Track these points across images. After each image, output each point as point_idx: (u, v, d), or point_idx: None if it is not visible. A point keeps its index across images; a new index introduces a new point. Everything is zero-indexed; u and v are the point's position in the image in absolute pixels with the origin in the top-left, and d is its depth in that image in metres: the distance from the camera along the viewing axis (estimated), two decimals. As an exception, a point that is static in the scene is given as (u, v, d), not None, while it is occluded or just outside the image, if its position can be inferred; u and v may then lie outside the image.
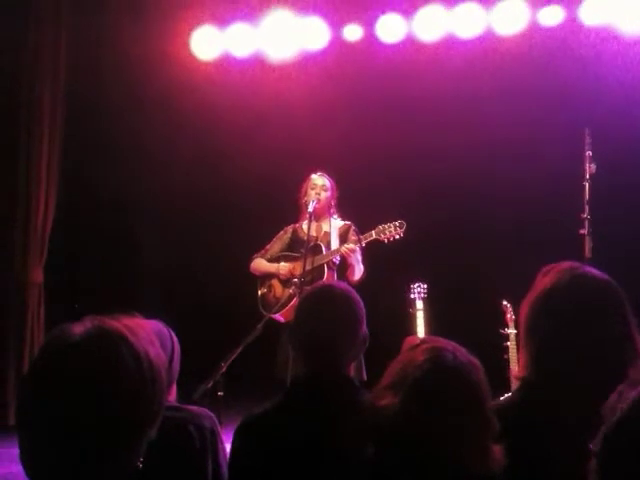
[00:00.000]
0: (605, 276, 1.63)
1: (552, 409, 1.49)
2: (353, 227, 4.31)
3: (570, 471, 1.34)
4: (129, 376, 1.12)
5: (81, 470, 1.10)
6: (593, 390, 1.40)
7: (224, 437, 1.96)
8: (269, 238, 4.46)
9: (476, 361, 1.40)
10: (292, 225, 4.42)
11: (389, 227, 4.08)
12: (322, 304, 1.90)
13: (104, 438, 1.10)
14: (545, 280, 1.63)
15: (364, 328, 1.93)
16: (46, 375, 1.12)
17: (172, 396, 1.86)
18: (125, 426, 1.12)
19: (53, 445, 1.09)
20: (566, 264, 1.66)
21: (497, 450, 1.32)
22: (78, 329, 1.14)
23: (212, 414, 1.87)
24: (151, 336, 1.21)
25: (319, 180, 4.29)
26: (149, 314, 1.96)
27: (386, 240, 4.08)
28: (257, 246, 4.45)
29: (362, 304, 1.95)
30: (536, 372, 1.56)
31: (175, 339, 1.85)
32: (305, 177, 4.35)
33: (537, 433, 1.42)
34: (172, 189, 5.85)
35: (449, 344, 1.41)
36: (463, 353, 1.39)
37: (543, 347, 1.56)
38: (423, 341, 1.48)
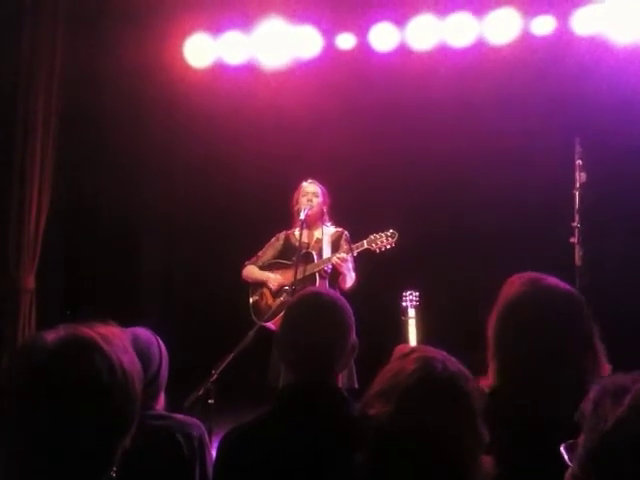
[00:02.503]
0: (567, 286, 1.67)
1: (518, 416, 1.51)
2: (345, 234, 4.31)
3: (540, 476, 1.35)
4: (101, 384, 1.10)
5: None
6: (558, 397, 1.43)
7: (214, 446, 1.94)
8: (264, 244, 4.46)
9: (466, 371, 1.39)
10: (284, 232, 4.42)
11: (380, 237, 4.08)
12: (310, 312, 1.85)
13: (75, 448, 1.09)
14: (508, 292, 1.67)
15: (353, 336, 1.88)
16: (15, 382, 1.10)
17: (160, 404, 1.84)
18: (97, 435, 1.10)
19: (20, 453, 1.07)
20: (528, 275, 1.70)
21: (487, 461, 1.31)
22: (50, 337, 1.13)
23: (200, 423, 1.85)
24: (125, 344, 1.19)
25: (310, 187, 4.30)
26: (145, 321, 1.95)
27: (377, 250, 4.08)
28: (252, 252, 4.45)
29: (350, 311, 1.90)
30: (502, 381, 1.60)
31: (163, 347, 1.83)
32: (297, 185, 4.36)
33: (506, 440, 1.43)
34: (168, 195, 5.85)
35: (439, 353, 1.40)
36: (453, 363, 1.38)
37: (509, 357, 1.60)
38: (413, 350, 1.47)
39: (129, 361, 1.17)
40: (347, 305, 1.92)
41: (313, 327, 1.82)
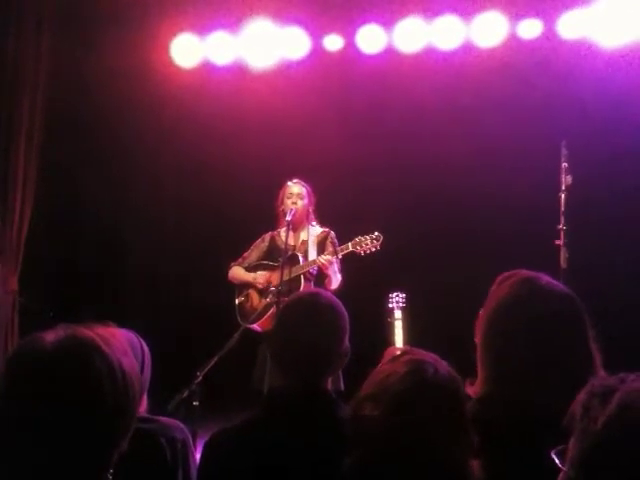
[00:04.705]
0: (563, 287, 1.61)
1: (511, 421, 1.47)
2: (331, 235, 4.30)
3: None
4: (101, 386, 1.10)
5: None
6: (552, 403, 1.41)
7: (198, 449, 1.92)
8: (248, 246, 4.45)
9: (456, 375, 1.39)
10: (270, 233, 4.40)
11: (365, 240, 4.06)
12: (306, 313, 1.83)
13: (74, 449, 1.08)
14: (501, 292, 1.60)
15: (346, 342, 1.87)
16: (15, 385, 1.10)
17: (143, 407, 1.82)
18: (96, 437, 1.10)
19: (19, 455, 1.07)
20: (520, 275, 1.63)
21: (475, 465, 1.31)
22: (50, 338, 1.12)
23: (183, 425, 1.83)
24: (125, 346, 1.20)
25: (295, 188, 4.28)
26: (131, 323, 1.93)
27: (362, 253, 4.06)
28: (241, 253, 4.44)
29: (346, 315, 1.88)
30: (494, 387, 1.55)
31: (146, 349, 1.81)
32: (282, 184, 4.33)
33: (496, 450, 1.41)
34: (157, 195, 5.82)
35: (430, 357, 1.40)
36: (444, 366, 1.38)
37: (501, 363, 1.55)
38: (404, 352, 1.46)
39: (128, 363, 1.17)
40: (344, 310, 1.90)
41: (309, 328, 1.80)
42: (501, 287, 1.62)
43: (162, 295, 5.94)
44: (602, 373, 1.49)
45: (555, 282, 1.62)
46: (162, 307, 5.84)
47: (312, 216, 4.34)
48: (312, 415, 1.73)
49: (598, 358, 1.53)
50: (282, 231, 4.26)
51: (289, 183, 4.31)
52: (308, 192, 4.30)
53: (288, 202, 4.23)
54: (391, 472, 1.28)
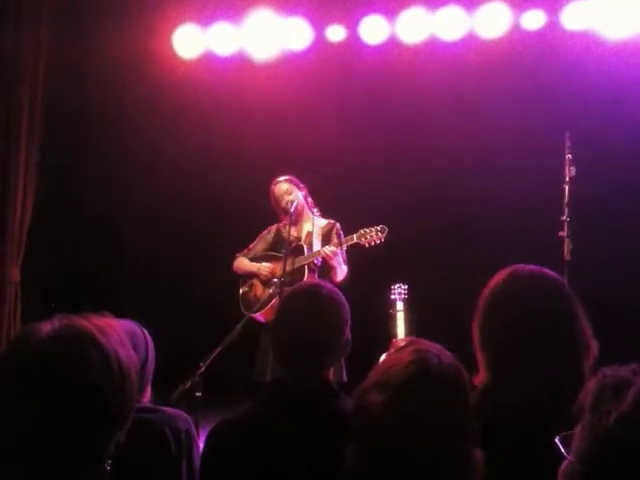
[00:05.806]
0: (543, 270, 1.67)
1: (513, 413, 1.50)
2: (337, 226, 4.30)
3: (531, 470, 1.35)
4: (97, 377, 1.09)
5: (46, 474, 1.07)
6: (551, 392, 1.43)
7: (201, 439, 1.93)
8: (254, 238, 4.44)
9: (460, 365, 1.39)
10: (276, 225, 4.40)
11: (370, 231, 4.07)
12: (306, 304, 1.83)
13: (70, 441, 1.08)
14: (488, 287, 1.67)
15: (347, 333, 1.87)
16: (10, 375, 1.09)
17: (147, 397, 1.82)
18: (92, 429, 1.09)
19: (15, 448, 1.06)
20: (508, 268, 1.70)
21: (478, 454, 1.31)
22: (46, 328, 1.12)
23: (188, 416, 1.83)
24: (122, 336, 1.18)
25: (282, 186, 4.27)
26: (131, 314, 1.93)
27: (367, 244, 4.07)
28: (240, 246, 4.43)
29: (347, 306, 1.89)
30: (494, 376, 1.59)
31: (149, 339, 1.81)
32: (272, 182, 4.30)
33: (500, 438, 1.42)
34: (155, 188, 5.81)
35: (434, 347, 1.40)
36: (448, 356, 1.38)
37: (500, 355, 1.60)
38: (409, 343, 1.46)
39: (125, 354, 1.16)
40: (344, 301, 1.89)
41: (310, 320, 1.80)
42: (490, 282, 1.69)
43: (163, 286, 5.94)
44: (594, 351, 1.54)
45: (538, 267, 1.68)
46: (163, 298, 5.83)
47: (311, 201, 4.34)
48: (314, 407, 1.73)
49: (590, 334, 1.58)
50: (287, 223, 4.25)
51: (272, 187, 4.30)
52: (295, 183, 4.30)
53: (284, 202, 4.22)
54: (394, 461, 1.28)
